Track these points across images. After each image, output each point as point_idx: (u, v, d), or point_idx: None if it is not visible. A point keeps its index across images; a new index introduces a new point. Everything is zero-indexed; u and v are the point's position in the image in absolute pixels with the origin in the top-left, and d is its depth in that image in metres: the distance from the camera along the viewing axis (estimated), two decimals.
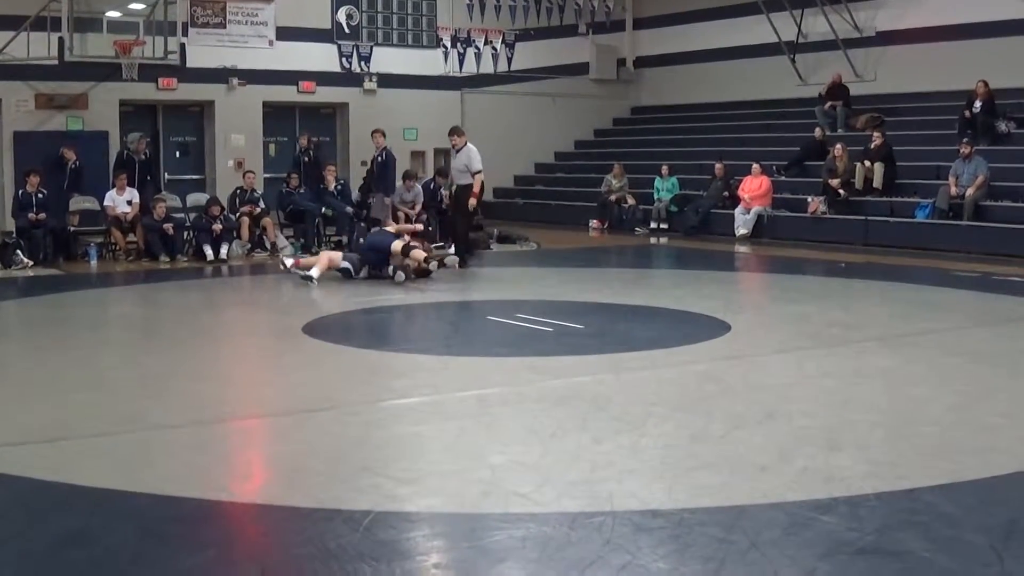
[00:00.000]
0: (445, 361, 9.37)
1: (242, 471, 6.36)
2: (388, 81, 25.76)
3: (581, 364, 9.08)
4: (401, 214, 18.87)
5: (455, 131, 16.65)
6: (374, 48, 25.73)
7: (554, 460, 6.16)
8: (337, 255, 15.27)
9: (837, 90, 23.58)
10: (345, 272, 14.76)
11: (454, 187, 17.31)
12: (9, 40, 20.52)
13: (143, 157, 19.44)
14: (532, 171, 28.37)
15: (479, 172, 16.29)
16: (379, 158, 18.98)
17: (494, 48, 27.57)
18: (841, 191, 20.13)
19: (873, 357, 9.35)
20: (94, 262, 17.19)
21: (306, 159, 20.75)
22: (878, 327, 11.24)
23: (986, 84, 20.15)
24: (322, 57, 25.08)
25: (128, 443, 6.64)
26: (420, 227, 17.25)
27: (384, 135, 19.36)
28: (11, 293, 14.54)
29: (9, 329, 12.09)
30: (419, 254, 14.60)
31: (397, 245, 14.63)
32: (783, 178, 22.25)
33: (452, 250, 16.49)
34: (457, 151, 16.46)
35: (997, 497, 5.63)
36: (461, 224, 16.78)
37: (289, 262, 15.31)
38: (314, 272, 14.57)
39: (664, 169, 22.99)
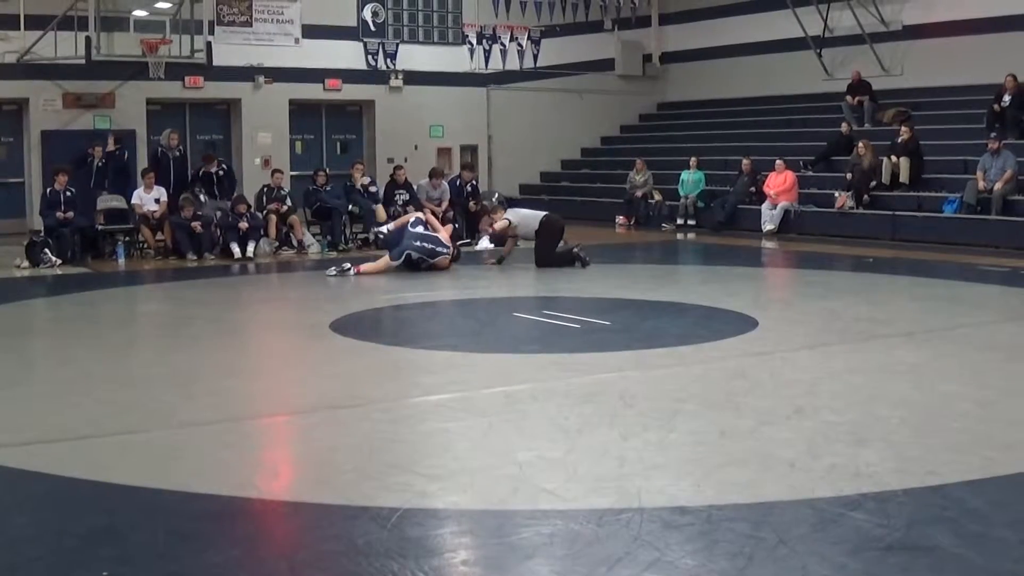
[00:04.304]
0: (472, 358, 9.37)
1: (270, 468, 6.38)
2: (414, 78, 25.81)
3: (608, 360, 9.06)
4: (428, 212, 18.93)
5: None
6: (400, 45, 25.76)
7: (582, 456, 6.16)
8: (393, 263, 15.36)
9: (860, 86, 23.49)
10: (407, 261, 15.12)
11: None
12: (37, 39, 20.64)
13: (178, 153, 19.43)
14: (558, 168, 28.34)
15: None
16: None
17: (520, 44, 27.52)
18: (866, 195, 20.03)
19: (901, 352, 9.31)
20: (122, 260, 17.26)
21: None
22: (906, 322, 11.19)
23: (1015, 78, 19.99)
24: (348, 55, 25.14)
25: (157, 440, 6.67)
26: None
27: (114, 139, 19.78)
28: (40, 292, 14.63)
29: (38, 327, 12.17)
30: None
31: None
32: (810, 173, 22.18)
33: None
34: None
35: None
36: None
37: (350, 268, 15.05)
38: (362, 267, 14.97)
39: (692, 161, 22.97)
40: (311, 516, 5.35)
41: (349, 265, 15.06)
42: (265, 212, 18.50)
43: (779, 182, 21.07)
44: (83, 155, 19.33)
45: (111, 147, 19.32)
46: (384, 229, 16.23)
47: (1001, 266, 15.44)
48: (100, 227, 18.12)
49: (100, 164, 19.30)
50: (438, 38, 26.44)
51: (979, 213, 18.48)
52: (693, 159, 23.06)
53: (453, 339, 10.53)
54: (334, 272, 14.90)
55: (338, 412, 7.39)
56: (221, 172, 19.03)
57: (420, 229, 15.29)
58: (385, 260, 15.28)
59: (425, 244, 15.15)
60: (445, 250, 15.38)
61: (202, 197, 18.45)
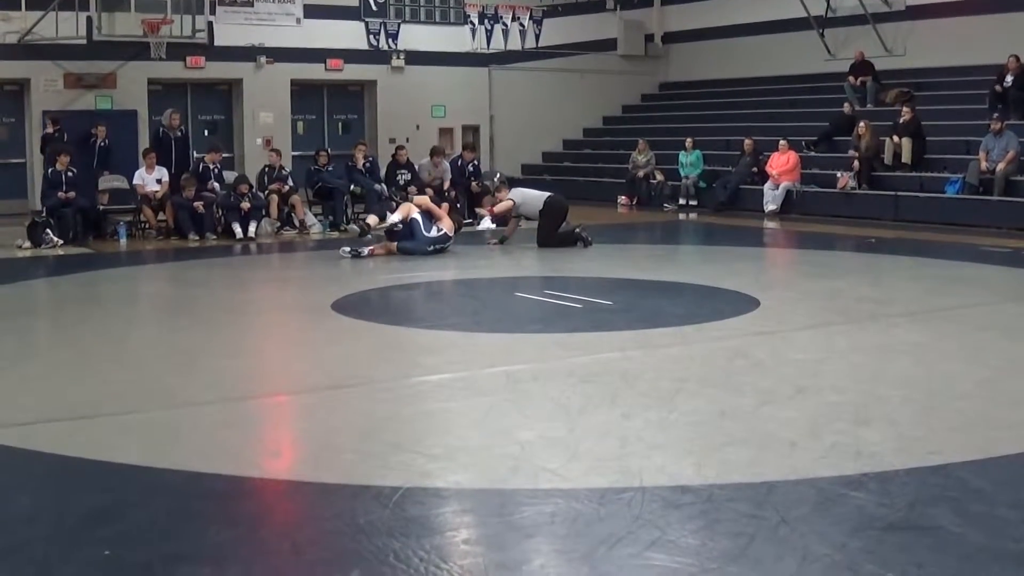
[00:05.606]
0: (474, 337, 9.36)
1: (272, 447, 6.39)
2: (416, 58, 25.75)
3: (610, 340, 9.04)
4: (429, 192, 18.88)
5: None
6: (401, 25, 25.71)
7: (583, 436, 6.16)
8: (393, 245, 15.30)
9: (862, 66, 23.44)
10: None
11: None
12: (38, 20, 20.61)
13: (179, 134, 19.39)
14: (560, 148, 28.29)
15: None
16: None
17: (521, 24, 27.48)
18: (862, 184, 20.01)
19: (903, 332, 9.30)
20: (123, 240, 17.25)
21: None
22: (908, 302, 11.17)
23: (1017, 58, 19.94)
24: (349, 34, 25.10)
25: (158, 420, 6.67)
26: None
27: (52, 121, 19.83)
28: (41, 272, 14.64)
29: (39, 307, 12.17)
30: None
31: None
32: (812, 153, 22.14)
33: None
34: None
35: None
36: None
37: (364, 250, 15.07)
38: (363, 249, 14.95)
39: (688, 142, 22.91)
40: (312, 495, 5.35)
41: (365, 251, 14.98)
42: (267, 192, 18.47)
43: (781, 162, 21.03)
44: (85, 135, 19.32)
45: (49, 129, 19.22)
46: (397, 221, 15.96)
47: (1003, 247, 15.41)
48: (102, 207, 18.07)
49: (102, 144, 19.28)
50: (440, 18, 26.38)
51: (981, 194, 18.44)
52: (689, 140, 22.96)
53: (455, 319, 10.52)
54: (348, 253, 14.88)
55: (340, 392, 7.40)
56: (217, 168, 18.93)
57: (434, 233, 15.12)
58: (387, 246, 15.21)
59: (438, 246, 15.07)
60: (450, 240, 15.35)
61: (216, 186, 18.26)
